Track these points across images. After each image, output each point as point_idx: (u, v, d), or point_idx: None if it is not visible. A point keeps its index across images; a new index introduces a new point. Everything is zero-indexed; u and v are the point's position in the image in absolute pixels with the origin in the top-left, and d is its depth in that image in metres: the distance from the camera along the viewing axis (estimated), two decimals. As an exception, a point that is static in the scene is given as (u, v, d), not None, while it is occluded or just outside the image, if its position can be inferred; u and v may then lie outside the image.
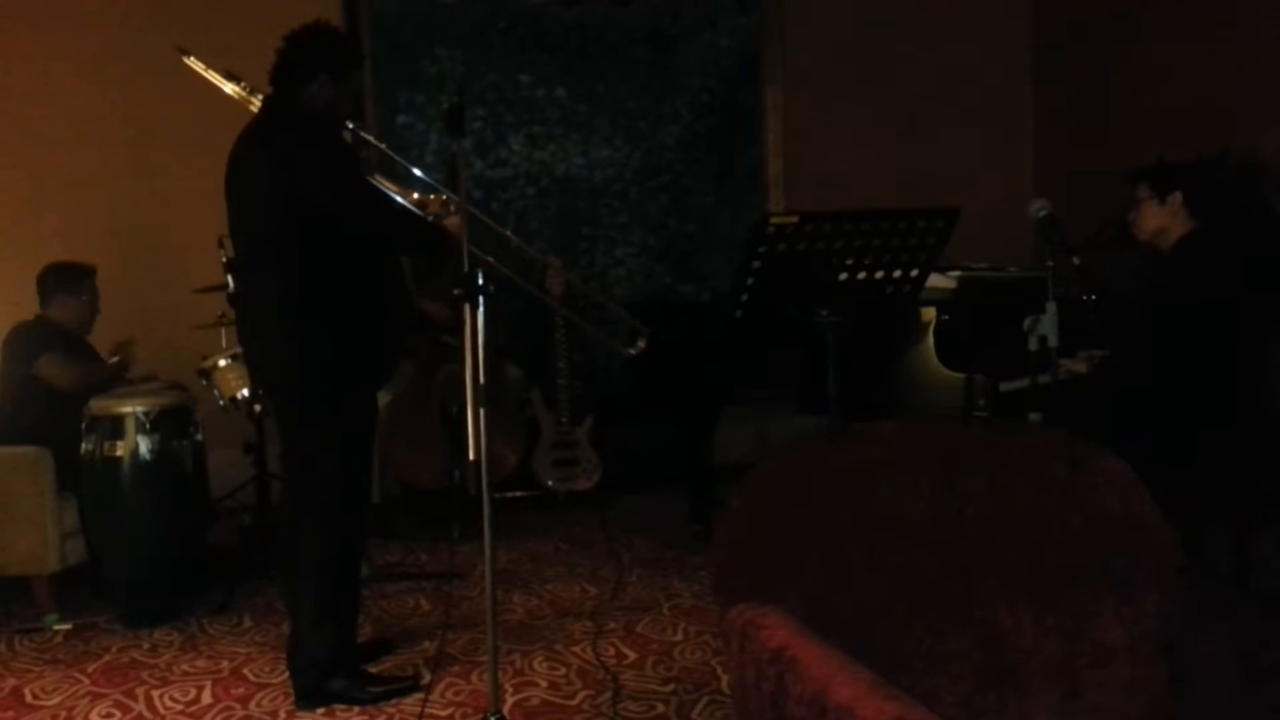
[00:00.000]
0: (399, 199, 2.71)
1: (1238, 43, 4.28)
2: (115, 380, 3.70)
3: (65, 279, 3.75)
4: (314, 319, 2.58)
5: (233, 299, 3.63)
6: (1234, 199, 4.01)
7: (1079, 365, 3.16)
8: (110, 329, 3.86)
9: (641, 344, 2.86)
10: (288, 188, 2.52)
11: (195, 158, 4.55)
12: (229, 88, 2.86)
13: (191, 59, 2.92)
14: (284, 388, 2.71)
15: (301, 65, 2.65)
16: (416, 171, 2.96)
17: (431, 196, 2.73)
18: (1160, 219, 3.12)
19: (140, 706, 2.71)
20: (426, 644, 3.06)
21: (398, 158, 3.00)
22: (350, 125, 2.78)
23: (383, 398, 4.12)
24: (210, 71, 2.89)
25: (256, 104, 2.77)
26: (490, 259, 2.51)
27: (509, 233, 2.94)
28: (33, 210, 4.56)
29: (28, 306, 3.77)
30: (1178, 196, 3.08)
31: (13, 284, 4.04)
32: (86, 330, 3.82)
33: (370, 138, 2.95)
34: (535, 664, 2.89)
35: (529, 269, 4.96)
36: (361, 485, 2.80)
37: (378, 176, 2.79)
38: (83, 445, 3.32)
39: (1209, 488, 2.80)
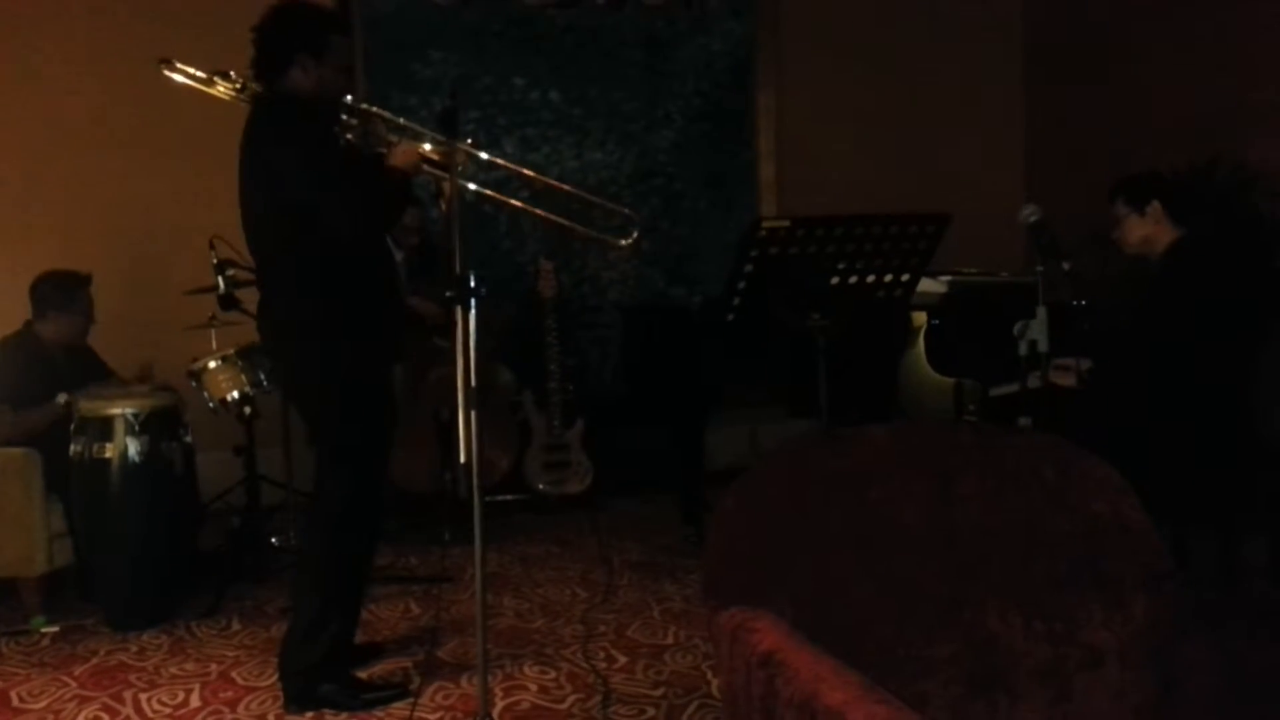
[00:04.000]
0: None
1: (1234, 49, 4.30)
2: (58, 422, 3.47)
3: (58, 293, 3.63)
4: (321, 325, 2.55)
5: (223, 301, 3.62)
6: (1223, 206, 4.03)
7: (1067, 379, 3.15)
8: (101, 331, 3.83)
9: (634, 235, 2.72)
10: (271, 194, 2.50)
11: (186, 159, 4.58)
12: (219, 89, 2.74)
13: (176, 68, 2.74)
14: (302, 398, 2.71)
15: (276, 53, 2.54)
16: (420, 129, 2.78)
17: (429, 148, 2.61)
18: (1144, 229, 3.13)
19: (128, 710, 2.70)
20: (416, 648, 3.05)
21: (403, 121, 2.79)
22: (348, 99, 2.65)
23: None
24: (195, 80, 2.74)
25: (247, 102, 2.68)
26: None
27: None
28: (23, 213, 4.53)
29: (20, 309, 3.71)
30: (1156, 205, 3.10)
31: (4, 287, 4.00)
32: (80, 340, 3.75)
33: (374, 109, 2.75)
34: (525, 668, 2.88)
35: (522, 271, 4.98)
36: (378, 497, 2.74)
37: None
38: (71, 447, 3.30)
39: (1198, 493, 2.81)
